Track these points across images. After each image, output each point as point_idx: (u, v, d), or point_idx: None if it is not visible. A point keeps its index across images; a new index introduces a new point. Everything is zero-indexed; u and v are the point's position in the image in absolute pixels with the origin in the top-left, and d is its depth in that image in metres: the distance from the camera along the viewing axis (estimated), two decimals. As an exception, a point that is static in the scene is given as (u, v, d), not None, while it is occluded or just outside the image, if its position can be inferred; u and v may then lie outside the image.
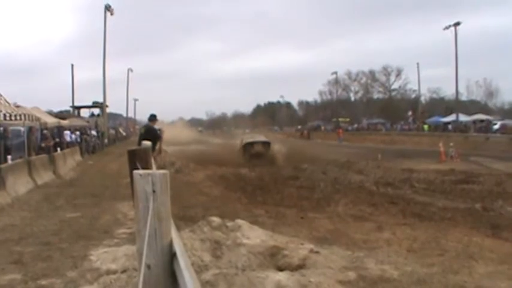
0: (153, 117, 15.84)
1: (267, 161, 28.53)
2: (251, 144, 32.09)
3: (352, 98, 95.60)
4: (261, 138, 34.15)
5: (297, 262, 6.50)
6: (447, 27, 57.33)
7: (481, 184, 15.47)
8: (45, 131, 24.74)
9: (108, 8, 48.64)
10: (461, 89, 74.70)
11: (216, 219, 8.05)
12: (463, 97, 78.17)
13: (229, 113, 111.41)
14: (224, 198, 13.45)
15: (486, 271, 6.50)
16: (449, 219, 10.36)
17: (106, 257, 6.62)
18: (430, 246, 7.95)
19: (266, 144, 32.69)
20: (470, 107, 75.38)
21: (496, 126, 58.89)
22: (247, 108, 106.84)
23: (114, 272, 5.97)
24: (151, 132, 14.86)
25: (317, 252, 6.86)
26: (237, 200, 13.18)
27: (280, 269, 6.38)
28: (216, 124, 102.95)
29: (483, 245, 7.97)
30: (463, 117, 64.18)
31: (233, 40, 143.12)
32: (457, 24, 56.18)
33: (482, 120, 64.38)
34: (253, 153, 30.85)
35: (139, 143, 12.59)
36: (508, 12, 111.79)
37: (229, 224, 7.87)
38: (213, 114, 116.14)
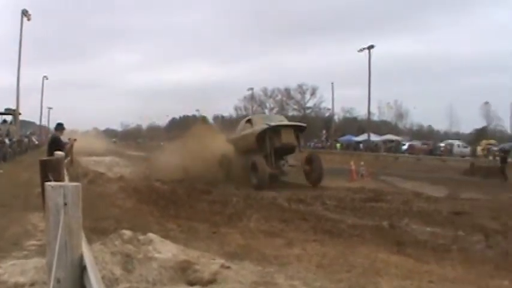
0: (59, 127, 14.67)
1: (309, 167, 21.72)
2: (276, 130, 21.42)
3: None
4: (285, 122, 24.06)
5: (208, 277, 6.43)
6: (361, 50, 59.37)
7: (389, 202, 15.94)
8: None
9: (25, 13, 46.96)
10: (374, 110, 77.60)
11: (127, 233, 7.82)
12: (375, 117, 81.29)
13: (145, 125, 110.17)
14: (136, 211, 13.15)
15: (391, 286, 6.67)
16: (358, 236, 10.60)
17: (14, 269, 6.26)
18: (339, 262, 8.06)
19: (300, 131, 22.59)
20: (382, 127, 78.27)
21: (404, 147, 61.57)
22: (162, 120, 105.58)
23: (22, 286, 5.68)
24: (55, 142, 13.84)
25: (228, 267, 6.81)
26: (150, 213, 12.93)
27: (191, 283, 6.31)
28: (131, 135, 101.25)
29: (389, 261, 8.18)
30: (374, 137, 66.68)
31: (151, 53, 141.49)
32: (371, 47, 58.36)
33: (392, 141, 67.20)
34: (280, 146, 21.17)
35: (49, 153, 12.06)
36: (418, 38, 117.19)
37: (141, 237, 7.67)
38: (128, 126, 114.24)
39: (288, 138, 21.36)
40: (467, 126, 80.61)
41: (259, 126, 22.09)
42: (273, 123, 21.74)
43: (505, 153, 32.34)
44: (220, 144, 24.54)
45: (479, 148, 54.88)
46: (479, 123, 77.86)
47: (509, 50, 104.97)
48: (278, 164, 21.66)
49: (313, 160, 21.83)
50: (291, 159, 22.59)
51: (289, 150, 21.86)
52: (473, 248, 9.89)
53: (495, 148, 47.22)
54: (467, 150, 56.83)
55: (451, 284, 7.01)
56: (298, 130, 22.43)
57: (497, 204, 15.70)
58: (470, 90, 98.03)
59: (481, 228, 11.52)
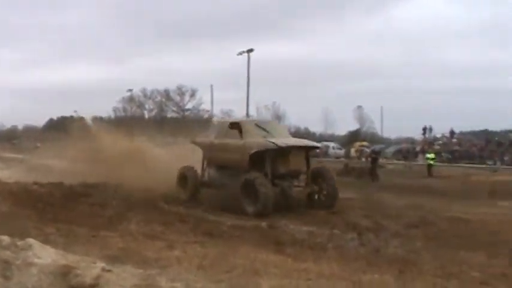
0: None
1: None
2: (284, 152, 15.45)
3: (146, 116, 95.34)
4: (297, 140, 17.86)
5: (90, 281, 6.20)
6: (241, 53, 60.03)
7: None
8: None
9: None
10: (252, 112, 78.99)
11: (5, 238, 7.37)
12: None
13: (21, 125, 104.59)
14: (13, 215, 12.42)
15: (270, 285, 6.80)
16: (238, 237, 10.75)
17: None
18: (220, 263, 8.10)
19: (311, 151, 17.76)
20: (260, 129, 79.41)
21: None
22: (40, 121, 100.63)
23: None
24: None
25: (109, 270, 6.61)
26: (27, 217, 12.25)
27: (73, 288, 6.06)
28: (5, 137, 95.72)
29: (268, 261, 8.35)
30: (253, 139, 67.46)
31: (28, 51, 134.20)
32: (250, 50, 59.06)
33: (270, 143, 68.39)
34: (284, 172, 15.52)
35: None
36: (296, 43, 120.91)
37: (20, 243, 7.25)
38: (4, 127, 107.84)
39: (297, 163, 15.83)
40: (342, 129, 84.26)
41: (255, 139, 15.72)
42: (280, 143, 15.32)
43: (376, 154, 34.16)
44: (167, 153, 20.67)
45: (352, 150, 57.39)
46: (353, 126, 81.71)
47: (380, 57, 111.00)
48: (282, 185, 15.35)
49: (323, 176, 16.21)
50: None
51: (294, 176, 16.13)
52: (348, 245, 10.36)
53: (367, 150, 49.60)
54: (342, 151, 59.37)
55: (327, 281, 7.27)
56: (309, 151, 16.91)
57: (368, 203, 16.51)
58: (344, 94, 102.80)
59: (355, 227, 12.12)
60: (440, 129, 56.67)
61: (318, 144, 21.67)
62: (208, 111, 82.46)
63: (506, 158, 43.62)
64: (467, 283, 7.64)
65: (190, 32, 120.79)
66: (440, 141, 53.04)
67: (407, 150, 52.92)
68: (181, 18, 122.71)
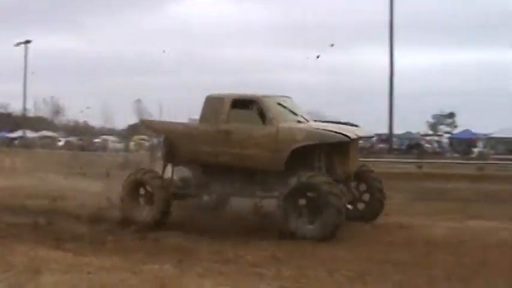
0: None
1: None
2: (343, 145, 10.95)
3: None
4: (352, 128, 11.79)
5: None
6: (18, 44, 56.89)
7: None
8: None
9: None
10: (30, 106, 75.04)
11: None
12: (31, 113, 78.15)
13: None
14: None
15: (52, 281, 6.94)
16: (15, 235, 10.42)
17: None
18: (-4, 263, 7.95)
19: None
20: (38, 123, 75.78)
21: (61, 143, 60.97)
22: None
23: None
24: None
25: None
26: None
27: None
28: None
29: (49, 257, 8.37)
30: (30, 133, 64.44)
31: None
32: (27, 41, 56.30)
33: (48, 137, 65.73)
34: (343, 174, 11.27)
35: None
36: (76, 37, 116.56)
37: None
38: None
39: (355, 161, 12.03)
40: (122, 123, 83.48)
41: (291, 125, 11.20)
42: (345, 131, 10.77)
43: (153, 147, 34.70)
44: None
45: (132, 143, 57.38)
46: (133, 120, 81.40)
47: (160, 53, 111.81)
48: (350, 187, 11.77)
49: (367, 178, 12.49)
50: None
51: (349, 179, 11.71)
52: (127, 238, 10.64)
53: (147, 143, 50.01)
54: (121, 145, 59.02)
55: (108, 273, 7.58)
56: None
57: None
58: (124, 88, 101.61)
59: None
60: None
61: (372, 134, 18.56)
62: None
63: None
64: (242, 266, 8.31)
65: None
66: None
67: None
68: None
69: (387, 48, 47.04)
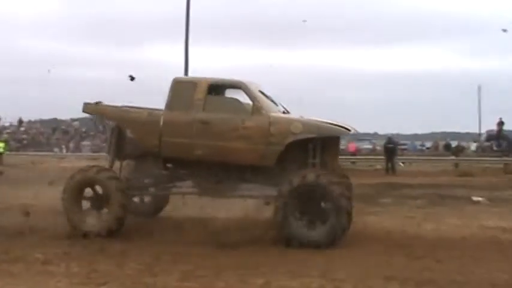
0: None
1: None
2: (332, 141, 10.17)
3: None
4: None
5: None
6: None
7: None
8: None
9: None
10: None
11: None
12: None
13: None
14: None
15: None
16: None
17: None
18: None
19: None
20: None
21: None
22: None
23: None
24: None
25: None
26: None
27: None
28: None
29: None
30: None
31: None
32: None
33: None
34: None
35: None
36: None
37: None
38: None
39: (338, 158, 11.26)
40: None
41: (280, 115, 9.98)
42: (343, 124, 9.81)
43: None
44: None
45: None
46: None
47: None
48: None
49: None
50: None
51: None
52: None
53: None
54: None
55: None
56: None
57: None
58: None
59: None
60: (9, 118, 55.53)
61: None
62: None
63: (71, 145, 46.48)
64: (31, 264, 8.06)
65: None
66: (8, 130, 52.32)
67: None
68: None
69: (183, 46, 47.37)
